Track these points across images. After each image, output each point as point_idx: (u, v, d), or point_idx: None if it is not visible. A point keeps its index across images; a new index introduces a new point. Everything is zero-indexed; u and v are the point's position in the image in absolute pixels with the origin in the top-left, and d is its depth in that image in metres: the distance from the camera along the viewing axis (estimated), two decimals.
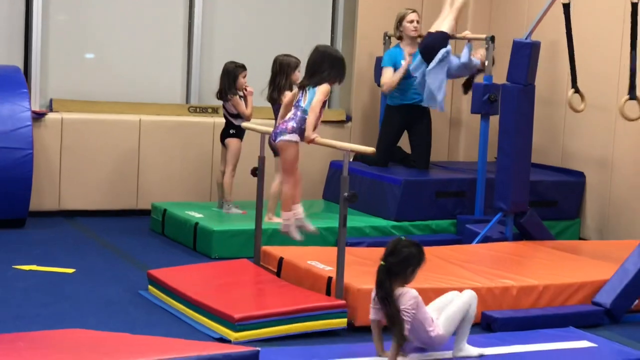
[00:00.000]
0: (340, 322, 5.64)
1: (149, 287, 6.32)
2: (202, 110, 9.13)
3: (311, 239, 7.56)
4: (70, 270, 6.76)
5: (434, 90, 8.26)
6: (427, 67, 8.27)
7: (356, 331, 5.67)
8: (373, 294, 5.07)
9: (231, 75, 8.15)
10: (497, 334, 5.66)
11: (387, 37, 9.09)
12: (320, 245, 7.38)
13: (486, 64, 8.15)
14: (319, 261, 6.32)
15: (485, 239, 7.56)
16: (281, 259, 6.50)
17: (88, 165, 8.69)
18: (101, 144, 8.70)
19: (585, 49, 8.43)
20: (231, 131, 8.21)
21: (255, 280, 6.31)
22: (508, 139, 7.63)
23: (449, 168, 9.02)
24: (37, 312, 5.76)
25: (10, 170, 7.82)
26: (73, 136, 8.63)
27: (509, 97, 7.60)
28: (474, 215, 8.16)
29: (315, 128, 6.14)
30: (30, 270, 6.73)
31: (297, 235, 6.29)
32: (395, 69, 8.64)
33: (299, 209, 6.27)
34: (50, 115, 8.58)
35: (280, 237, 7.48)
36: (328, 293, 5.91)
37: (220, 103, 8.37)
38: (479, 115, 8.27)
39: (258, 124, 7.33)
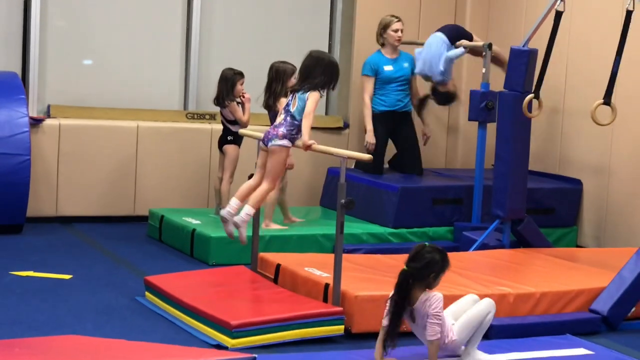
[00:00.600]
0: (337, 329, 5.64)
1: (146, 293, 6.32)
2: (200, 116, 9.13)
3: (308, 246, 7.59)
4: (67, 277, 6.76)
5: (432, 60, 8.35)
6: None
7: (353, 338, 5.67)
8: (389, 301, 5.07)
9: (229, 82, 8.16)
10: (494, 341, 5.66)
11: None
12: (317, 252, 7.40)
13: (483, 71, 8.16)
14: (316, 268, 6.32)
15: (483, 246, 7.56)
16: (278, 265, 6.49)
17: (86, 171, 8.69)
18: (99, 150, 8.70)
19: (582, 56, 8.44)
20: (229, 138, 8.22)
21: (252, 287, 6.30)
22: (505, 146, 7.64)
23: (446, 175, 9.03)
24: (34, 318, 5.76)
25: (8, 176, 7.82)
26: (71, 142, 8.63)
27: (506, 105, 7.61)
28: (471, 222, 8.16)
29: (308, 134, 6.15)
30: (28, 276, 6.72)
31: (229, 229, 6.24)
32: (377, 76, 8.66)
33: (251, 212, 6.24)
34: (48, 121, 8.58)
35: (278, 244, 7.51)
36: (325, 300, 5.91)
37: (217, 109, 8.38)
38: (476, 123, 8.28)
39: (255, 130, 7.33)
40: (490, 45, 8.16)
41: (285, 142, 6.20)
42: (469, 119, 8.35)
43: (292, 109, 6.24)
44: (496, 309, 5.96)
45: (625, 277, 6.28)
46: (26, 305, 6.02)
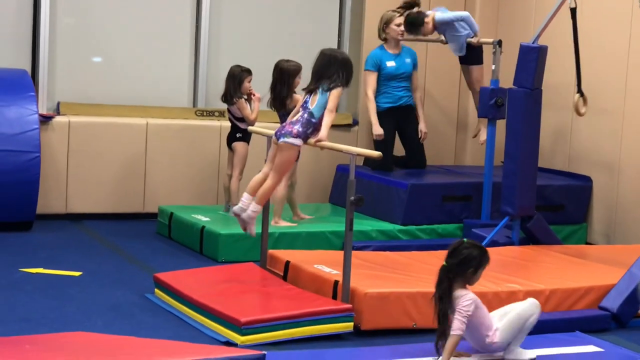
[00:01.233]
0: (347, 326, 5.64)
1: (156, 290, 6.33)
2: (209, 113, 9.14)
3: (317, 243, 7.59)
4: (77, 273, 6.77)
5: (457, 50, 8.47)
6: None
7: (362, 335, 5.66)
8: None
9: (237, 79, 8.16)
10: None
11: None
12: (326, 249, 7.40)
13: (493, 68, 8.15)
14: (325, 265, 6.32)
15: (492, 244, 7.54)
16: (287, 262, 6.49)
17: (95, 168, 8.70)
18: (108, 147, 8.71)
19: (592, 52, 8.42)
20: (238, 135, 8.22)
21: (261, 284, 6.31)
22: (515, 143, 7.63)
23: (455, 172, 9.02)
24: (44, 314, 5.77)
25: (18, 174, 7.83)
26: (80, 139, 8.64)
27: (515, 101, 7.59)
28: (480, 219, 8.15)
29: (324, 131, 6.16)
30: (37, 273, 6.74)
31: (244, 225, 6.26)
32: (380, 72, 8.66)
33: (257, 209, 6.25)
34: (58, 119, 8.60)
35: (287, 241, 7.51)
36: (334, 297, 5.91)
37: (226, 106, 8.38)
38: (485, 119, 8.26)
39: (264, 127, 7.34)
40: (500, 42, 8.14)
41: (297, 141, 6.20)
42: (479, 116, 8.35)
43: (311, 105, 6.23)
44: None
45: (635, 274, 6.27)
46: (36, 302, 6.03)
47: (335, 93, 6.20)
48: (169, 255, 7.59)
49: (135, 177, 8.83)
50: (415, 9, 8.61)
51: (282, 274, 6.50)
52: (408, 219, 8.09)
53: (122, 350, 4.97)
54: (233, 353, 4.88)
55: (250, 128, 7.30)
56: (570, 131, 8.84)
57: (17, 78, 8.27)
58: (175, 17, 9.21)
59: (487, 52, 8.51)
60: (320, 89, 6.24)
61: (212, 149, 9.00)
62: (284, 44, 9.36)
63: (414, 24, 8.55)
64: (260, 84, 8.23)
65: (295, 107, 7.45)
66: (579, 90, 7.81)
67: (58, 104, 8.75)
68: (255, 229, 6.34)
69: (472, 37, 8.42)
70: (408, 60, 8.80)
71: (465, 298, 4.98)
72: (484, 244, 7.51)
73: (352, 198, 5.74)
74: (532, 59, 7.50)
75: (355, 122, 9.53)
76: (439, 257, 6.83)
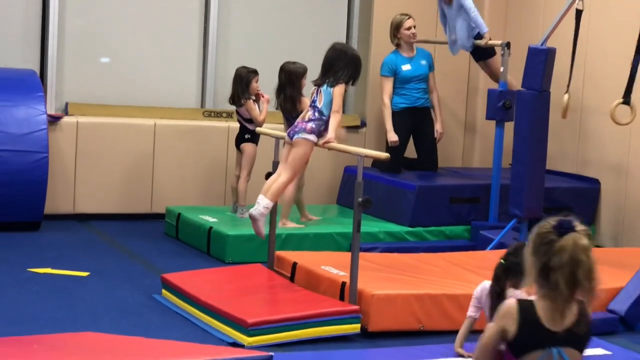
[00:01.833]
0: (354, 328, 5.63)
1: (163, 291, 6.33)
2: (217, 114, 9.14)
3: (324, 245, 7.59)
4: (84, 274, 6.78)
5: (464, 38, 8.40)
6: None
7: (369, 337, 5.66)
8: (476, 292, 5.09)
9: (244, 80, 8.16)
10: None
11: None
12: (334, 251, 7.39)
13: (501, 70, 8.14)
14: (333, 266, 6.32)
15: (500, 246, 7.53)
16: (295, 263, 6.49)
17: (103, 168, 8.71)
18: (116, 148, 8.72)
19: (600, 55, 8.41)
20: (246, 136, 8.22)
21: (268, 285, 6.30)
22: (523, 145, 7.61)
23: (463, 174, 9.01)
24: (51, 315, 5.78)
25: (26, 174, 7.84)
26: (88, 140, 8.65)
27: (524, 104, 7.58)
28: (488, 221, 8.14)
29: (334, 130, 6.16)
30: (45, 273, 6.74)
31: (259, 227, 6.17)
32: (396, 76, 8.66)
33: (269, 205, 6.19)
34: (66, 119, 8.61)
35: (294, 242, 7.51)
36: (342, 298, 5.91)
37: (234, 107, 8.38)
38: (493, 122, 8.25)
39: (271, 128, 7.34)
40: (508, 44, 8.13)
41: (312, 136, 6.20)
42: (487, 118, 8.33)
43: (319, 104, 6.23)
44: None
45: None
46: (43, 302, 6.04)
47: (337, 91, 6.19)
48: (176, 256, 7.59)
49: (142, 178, 8.84)
50: None
51: (289, 275, 6.49)
52: (416, 221, 8.08)
53: (130, 351, 4.98)
54: (240, 354, 4.88)
55: (258, 129, 7.31)
56: (579, 133, 8.82)
57: (25, 78, 8.28)
58: (183, 18, 9.22)
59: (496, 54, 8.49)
60: (325, 85, 6.23)
61: (219, 150, 9.00)
62: (292, 45, 9.36)
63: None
64: (268, 85, 8.24)
65: (303, 110, 7.46)
66: (568, 91, 7.73)
67: (66, 104, 8.76)
68: (265, 230, 6.31)
69: (480, 39, 8.42)
70: (423, 62, 8.80)
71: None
72: (491, 246, 7.52)
73: (360, 199, 5.74)
74: (541, 61, 7.49)
75: (363, 124, 9.52)
76: (446, 259, 6.85)
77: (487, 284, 5.10)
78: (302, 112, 7.10)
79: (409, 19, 8.70)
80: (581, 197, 8.53)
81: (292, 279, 6.45)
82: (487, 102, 8.20)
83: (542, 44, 7.55)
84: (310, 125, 6.21)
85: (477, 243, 7.82)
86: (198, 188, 9.00)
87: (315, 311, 5.60)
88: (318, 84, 6.29)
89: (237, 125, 8.36)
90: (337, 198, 9.10)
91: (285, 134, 6.44)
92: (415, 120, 8.76)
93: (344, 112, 6.95)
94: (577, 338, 3.25)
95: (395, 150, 8.49)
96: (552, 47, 7.53)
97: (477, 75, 9.51)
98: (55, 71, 8.72)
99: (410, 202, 8.09)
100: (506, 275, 4.99)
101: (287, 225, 7.79)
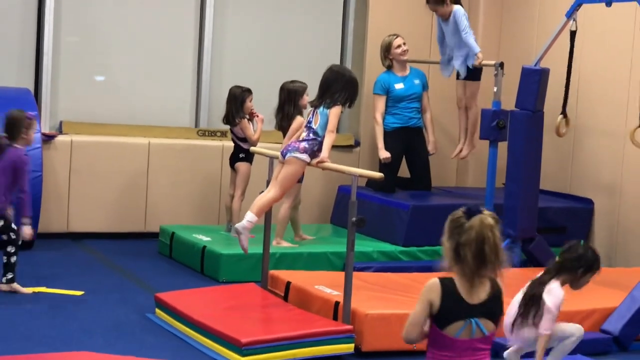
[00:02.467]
0: (347, 347, 5.63)
1: (157, 310, 6.32)
2: (211, 133, 9.15)
3: (318, 264, 7.58)
4: (79, 293, 6.77)
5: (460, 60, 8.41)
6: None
7: (363, 356, 5.66)
8: (554, 304, 5.10)
9: (238, 100, 8.18)
10: None
11: None
12: (327, 270, 7.39)
13: (495, 90, 8.16)
14: (327, 286, 6.32)
15: None
16: (288, 283, 6.49)
17: (97, 187, 8.70)
18: (110, 167, 8.72)
19: (594, 74, 8.44)
20: (241, 155, 8.23)
21: (262, 305, 6.30)
22: (516, 165, 7.63)
23: (457, 193, 9.02)
24: (45, 333, 5.76)
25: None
26: (82, 158, 8.65)
27: (517, 124, 7.61)
28: None
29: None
30: (39, 292, 6.73)
31: (242, 241, 6.19)
32: (389, 95, 8.69)
33: (253, 219, 6.21)
34: (60, 138, 8.61)
35: (288, 262, 7.50)
36: (335, 318, 5.91)
37: (228, 126, 8.39)
38: (487, 141, 8.27)
39: (266, 148, 7.35)
40: (501, 64, 8.15)
41: (304, 156, 6.21)
42: (480, 138, 8.34)
43: (315, 125, 6.25)
44: None
45: (637, 297, 6.26)
46: (37, 321, 6.02)
47: (334, 112, 6.22)
48: (170, 275, 7.59)
49: (136, 197, 8.84)
50: None
51: (283, 294, 6.49)
52: (409, 240, 8.08)
53: None
54: None
55: (252, 148, 7.32)
56: (572, 153, 8.84)
57: (20, 97, 8.27)
58: (177, 37, 9.24)
59: (489, 74, 8.51)
60: (322, 106, 6.26)
61: (214, 169, 9.00)
62: (286, 64, 9.38)
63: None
64: (262, 104, 8.25)
65: (290, 127, 7.49)
66: (563, 112, 7.78)
67: (60, 123, 8.77)
68: (248, 245, 6.30)
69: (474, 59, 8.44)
70: (417, 81, 8.82)
71: (559, 296, 5.08)
72: None
73: (354, 219, 5.74)
74: (534, 81, 7.52)
75: (358, 143, 9.54)
76: None
77: (559, 293, 5.11)
78: (295, 129, 7.15)
79: (396, 37, 8.74)
80: (575, 217, 8.55)
81: (285, 298, 6.45)
82: (480, 122, 8.22)
83: (535, 64, 7.58)
84: (304, 145, 6.22)
85: None
86: (192, 207, 9.00)
87: (308, 331, 5.60)
88: (315, 105, 6.32)
89: (232, 144, 8.37)
90: (331, 217, 9.10)
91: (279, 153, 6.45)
92: (408, 140, 8.77)
93: (338, 131, 6.99)
94: (492, 311, 3.60)
95: (389, 170, 8.50)
96: (545, 67, 7.56)
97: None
98: (50, 90, 8.73)
99: (404, 222, 8.10)
100: (559, 272, 5.10)
101: (281, 245, 7.79)
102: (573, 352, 5.78)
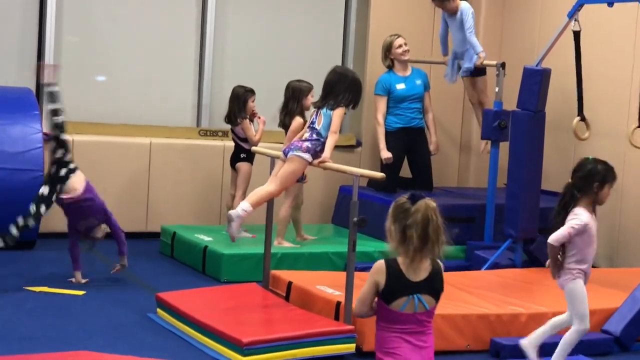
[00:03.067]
0: (349, 347, 5.63)
1: (158, 310, 6.32)
2: (213, 133, 9.15)
3: (320, 264, 7.58)
4: (80, 292, 6.77)
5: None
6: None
7: (365, 356, 5.65)
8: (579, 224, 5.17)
9: (241, 100, 8.19)
10: None
11: None
12: (329, 270, 7.39)
13: (496, 90, 8.16)
14: (328, 286, 6.32)
15: (495, 266, 7.54)
16: (290, 283, 6.49)
17: (98, 187, 8.60)
18: (111, 166, 8.72)
19: (595, 75, 8.43)
20: (242, 155, 8.23)
21: (263, 305, 6.30)
22: (518, 165, 7.63)
23: (458, 194, 9.02)
24: (45, 333, 5.76)
25: (21, 192, 7.82)
26: (83, 158, 8.62)
27: (519, 124, 7.60)
28: (483, 241, 8.14)
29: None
30: (41, 291, 6.73)
31: (232, 228, 6.19)
32: (390, 95, 8.69)
33: (248, 209, 6.18)
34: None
35: (289, 262, 7.51)
36: (337, 318, 5.90)
37: (229, 126, 8.39)
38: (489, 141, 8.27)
39: (268, 147, 7.35)
40: (503, 65, 8.15)
41: (307, 155, 6.22)
42: (482, 138, 8.35)
43: (318, 126, 6.26)
44: (507, 329, 5.96)
45: (638, 297, 6.26)
46: (38, 321, 6.02)
47: (337, 113, 6.23)
48: (171, 275, 7.59)
49: (138, 197, 8.84)
50: None
51: (284, 294, 6.49)
52: None
53: None
54: None
55: (254, 148, 7.32)
56: (574, 154, 8.83)
57: (21, 96, 8.28)
58: (179, 37, 9.24)
59: (491, 75, 8.52)
60: (325, 107, 6.26)
61: (215, 169, 9.00)
62: (287, 64, 9.38)
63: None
64: (263, 104, 8.25)
65: (291, 125, 7.50)
66: (580, 114, 7.80)
67: None
68: (238, 234, 6.27)
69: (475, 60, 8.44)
70: (419, 82, 8.82)
71: (579, 218, 5.10)
72: (486, 266, 7.52)
73: (355, 219, 5.74)
74: (536, 82, 7.52)
75: (359, 143, 9.54)
76: None
77: (583, 216, 5.15)
78: (295, 129, 7.18)
79: (398, 38, 8.75)
80: None
81: (287, 298, 6.45)
82: (482, 122, 8.22)
83: (537, 65, 7.58)
84: (306, 144, 6.23)
85: (472, 263, 7.82)
86: (193, 207, 9.00)
87: (310, 331, 5.60)
88: (318, 106, 6.32)
89: (233, 144, 8.37)
90: (333, 217, 9.10)
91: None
92: (409, 140, 8.77)
93: (340, 131, 6.97)
94: (433, 287, 4.01)
95: (391, 170, 8.50)
96: (547, 67, 7.56)
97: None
98: None
99: None
100: (574, 193, 5.13)
101: (283, 245, 7.79)
102: (574, 352, 5.80)
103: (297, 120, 7.60)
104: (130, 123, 8.98)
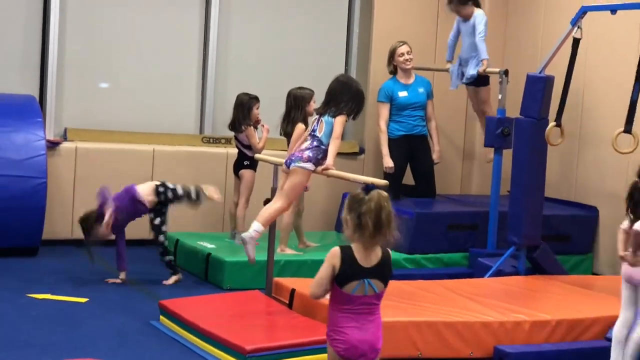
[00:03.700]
0: None
1: (161, 317, 6.32)
2: (216, 140, 9.16)
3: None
4: (83, 300, 6.77)
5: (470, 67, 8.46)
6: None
7: None
8: (623, 225, 5.57)
9: (245, 107, 8.19)
10: None
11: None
12: None
13: (499, 97, 8.16)
14: None
15: (498, 273, 7.53)
16: (293, 290, 6.48)
17: None
18: (115, 174, 8.71)
19: (599, 83, 8.43)
20: (245, 162, 8.23)
21: (266, 312, 6.30)
22: (521, 172, 7.62)
23: (461, 201, 9.01)
24: (49, 340, 5.76)
25: (24, 199, 7.84)
26: (87, 165, 8.66)
27: (522, 131, 7.60)
28: (486, 248, 8.13)
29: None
30: (44, 299, 6.73)
31: (248, 250, 6.31)
32: (392, 102, 8.70)
33: (259, 229, 6.26)
34: (65, 145, 8.62)
35: (292, 269, 7.50)
36: None
37: (233, 133, 8.39)
38: (492, 149, 8.26)
39: (270, 155, 7.35)
40: (506, 72, 8.15)
41: (308, 165, 6.22)
42: (485, 145, 8.35)
43: (319, 133, 6.26)
44: (510, 337, 5.95)
45: None
46: (41, 328, 6.02)
47: (339, 120, 6.24)
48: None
49: None
50: None
51: (287, 302, 6.48)
52: (414, 248, 8.08)
53: None
54: None
55: (257, 156, 7.33)
56: (577, 161, 8.83)
57: (25, 104, 8.30)
58: (182, 44, 9.25)
59: (494, 82, 8.52)
60: (327, 114, 6.27)
61: (218, 176, 8.99)
62: (291, 71, 9.39)
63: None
64: (266, 110, 8.25)
65: (292, 133, 7.51)
66: (557, 120, 7.69)
67: (65, 130, 8.78)
68: (254, 254, 6.33)
69: (480, 66, 8.44)
70: (421, 90, 8.83)
71: None
72: (489, 273, 7.51)
73: None
74: (539, 89, 7.51)
75: (362, 151, 9.54)
76: (444, 286, 6.84)
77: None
78: (297, 137, 7.17)
79: (402, 45, 8.75)
80: (579, 225, 8.53)
81: (290, 305, 6.44)
82: (485, 129, 8.22)
83: (540, 72, 7.58)
84: (307, 153, 6.23)
85: (475, 270, 7.81)
86: (196, 214, 8.98)
87: (313, 338, 5.59)
88: (320, 112, 6.33)
89: (236, 151, 8.37)
90: (335, 224, 9.10)
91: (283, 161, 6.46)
92: (412, 148, 8.77)
93: (342, 138, 6.98)
94: (382, 273, 4.37)
95: (394, 177, 8.50)
96: (550, 75, 7.56)
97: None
98: (55, 97, 8.74)
99: (409, 229, 8.08)
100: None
101: (286, 252, 7.79)
102: None
103: (300, 127, 7.61)
104: (133, 130, 8.98)
